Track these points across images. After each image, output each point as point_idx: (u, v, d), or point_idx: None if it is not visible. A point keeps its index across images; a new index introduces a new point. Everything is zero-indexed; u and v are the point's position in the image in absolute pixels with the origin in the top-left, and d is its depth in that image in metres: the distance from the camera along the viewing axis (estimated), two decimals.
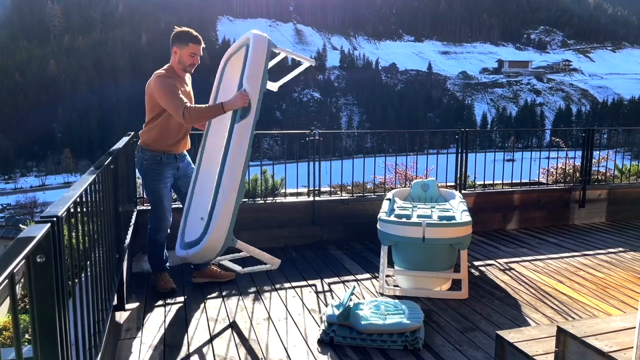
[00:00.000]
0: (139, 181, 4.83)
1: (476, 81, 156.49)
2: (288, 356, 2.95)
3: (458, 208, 4.29)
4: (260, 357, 2.95)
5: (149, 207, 3.93)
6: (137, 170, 3.96)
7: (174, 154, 3.78)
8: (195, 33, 3.58)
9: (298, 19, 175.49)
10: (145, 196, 4.04)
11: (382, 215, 4.05)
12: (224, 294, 3.94)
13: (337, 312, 3.16)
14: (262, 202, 5.21)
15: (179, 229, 3.67)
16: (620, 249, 5.21)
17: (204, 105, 3.50)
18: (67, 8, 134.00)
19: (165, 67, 3.67)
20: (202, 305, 3.66)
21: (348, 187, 5.86)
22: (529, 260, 4.80)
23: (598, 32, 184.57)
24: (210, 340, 3.14)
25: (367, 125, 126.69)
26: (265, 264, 3.68)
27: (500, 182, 6.41)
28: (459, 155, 5.85)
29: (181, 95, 3.48)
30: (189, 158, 4.01)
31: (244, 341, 3.14)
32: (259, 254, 3.49)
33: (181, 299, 3.78)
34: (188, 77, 3.86)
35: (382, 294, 3.92)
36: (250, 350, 3.02)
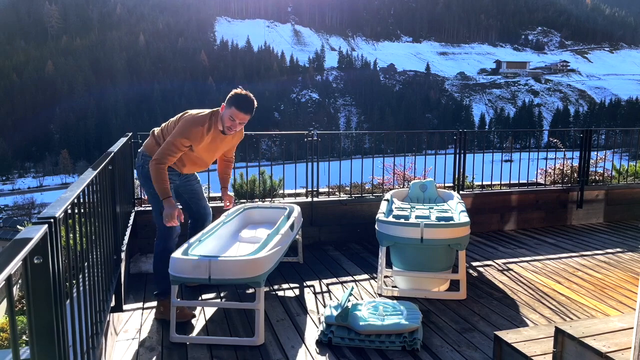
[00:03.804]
0: (137, 182, 4.84)
1: (474, 82, 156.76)
2: (286, 357, 2.94)
3: (456, 209, 4.29)
4: (258, 358, 2.94)
5: (155, 217, 3.51)
6: (135, 174, 3.80)
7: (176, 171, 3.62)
8: (246, 99, 3.36)
9: (296, 19, 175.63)
10: (149, 203, 3.60)
11: (380, 216, 4.06)
12: (222, 295, 3.93)
13: (335, 313, 3.16)
14: (261, 202, 5.20)
15: (188, 241, 3.38)
16: (618, 249, 5.22)
17: (165, 179, 3.30)
18: (64, 9, 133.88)
19: (212, 110, 3.46)
20: (199, 307, 3.66)
21: (346, 188, 5.86)
22: (527, 261, 4.81)
23: (595, 33, 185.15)
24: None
25: (365, 126, 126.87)
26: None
27: (499, 182, 6.43)
28: (457, 156, 5.86)
29: (177, 150, 3.31)
30: (196, 175, 3.87)
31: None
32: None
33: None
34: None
35: (380, 295, 3.93)
36: (248, 352, 3.01)
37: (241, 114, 3.34)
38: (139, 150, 3.68)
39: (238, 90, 3.41)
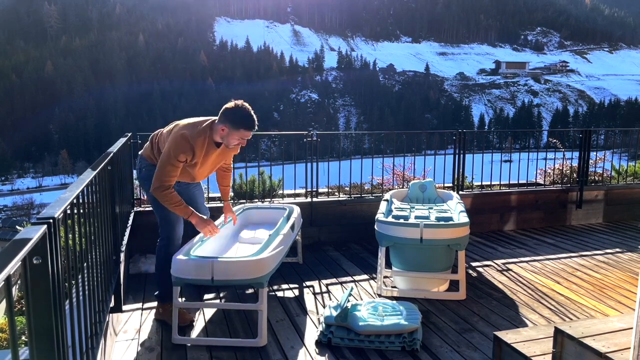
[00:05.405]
0: (137, 182, 4.84)
1: (473, 82, 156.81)
2: (286, 357, 2.94)
3: (455, 209, 4.29)
4: (258, 358, 2.94)
5: (159, 221, 3.48)
6: (136, 179, 3.80)
7: None
8: (251, 116, 3.16)
9: (295, 20, 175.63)
10: (152, 207, 3.51)
11: (379, 216, 4.06)
12: (221, 295, 3.93)
13: (334, 314, 3.16)
14: (260, 203, 5.20)
15: (189, 243, 3.40)
16: (617, 249, 5.22)
17: (177, 200, 3.16)
18: (64, 9, 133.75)
19: (206, 123, 3.23)
20: (199, 307, 3.65)
21: (346, 188, 5.86)
22: (526, 261, 4.81)
23: (595, 33, 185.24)
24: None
25: (365, 126, 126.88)
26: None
27: (498, 183, 6.43)
28: (457, 156, 5.86)
29: (173, 171, 3.12)
30: None
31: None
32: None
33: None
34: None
35: (379, 295, 3.92)
36: (248, 352, 3.01)
37: (250, 133, 3.23)
38: (139, 152, 3.66)
39: (239, 107, 3.16)
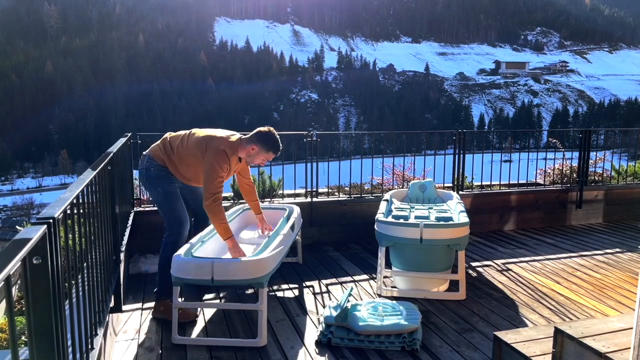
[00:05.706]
0: (137, 182, 4.84)
1: (473, 82, 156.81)
2: (286, 357, 2.94)
3: (455, 209, 4.29)
4: (258, 358, 2.94)
5: (163, 216, 3.58)
6: (139, 179, 3.83)
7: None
8: (279, 143, 3.57)
9: (295, 20, 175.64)
10: (156, 206, 3.63)
11: (379, 216, 4.05)
12: (221, 295, 3.93)
13: (334, 314, 3.16)
14: (260, 203, 5.20)
15: (189, 243, 3.39)
16: (617, 249, 5.22)
17: (224, 220, 3.37)
18: (64, 9, 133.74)
19: (234, 139, 3.50)
20: (199, 307, 3.65)
21: (346, 188, 5.86)
22: (526, 261, 4.81)
23: (595, 33, 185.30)
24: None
25: (365, 126, 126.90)
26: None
27: (498, 183, 6.43)
28: (457, 156, 5.86)
29: (221, 182, 3.41)
30: None
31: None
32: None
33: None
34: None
35: (379, 295, 3.92)
36: (247, 352, 3.01)
37: (274, 155, 3.63)
38: (144, 152, 3.66)
39: (271, 133, 3.52)
